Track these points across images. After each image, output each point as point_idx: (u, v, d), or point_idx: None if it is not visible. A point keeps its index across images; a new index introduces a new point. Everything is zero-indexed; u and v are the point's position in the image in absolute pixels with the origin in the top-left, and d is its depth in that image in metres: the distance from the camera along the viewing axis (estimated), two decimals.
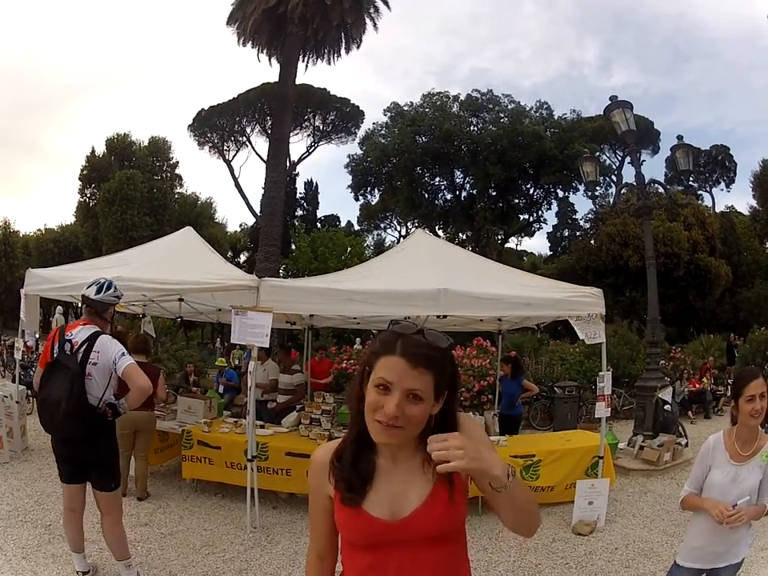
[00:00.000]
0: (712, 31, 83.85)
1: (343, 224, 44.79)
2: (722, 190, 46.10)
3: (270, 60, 24.96)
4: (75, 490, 4.23)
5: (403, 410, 1.40)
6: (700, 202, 34.82)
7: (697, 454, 3.18)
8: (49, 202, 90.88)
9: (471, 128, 36.18)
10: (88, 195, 39.90)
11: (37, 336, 14.89)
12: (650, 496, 7.24)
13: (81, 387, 3.91)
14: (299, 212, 42.60)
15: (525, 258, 52.19)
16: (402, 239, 41.33)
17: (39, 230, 49.31)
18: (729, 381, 15.28)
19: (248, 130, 38.92)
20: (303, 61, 24.79)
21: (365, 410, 1.47)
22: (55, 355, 4.05)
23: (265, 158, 28.20)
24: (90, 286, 4.33)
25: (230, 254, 42.60)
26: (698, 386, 14.52)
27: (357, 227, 46.20)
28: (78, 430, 3.93)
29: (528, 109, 36.75)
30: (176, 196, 41.67)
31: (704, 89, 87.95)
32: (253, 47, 24.36)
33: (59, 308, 20.71)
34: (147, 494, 6.52)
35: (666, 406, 9.53)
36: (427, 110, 36.47)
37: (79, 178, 40.07)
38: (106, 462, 4.19)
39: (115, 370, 4.05)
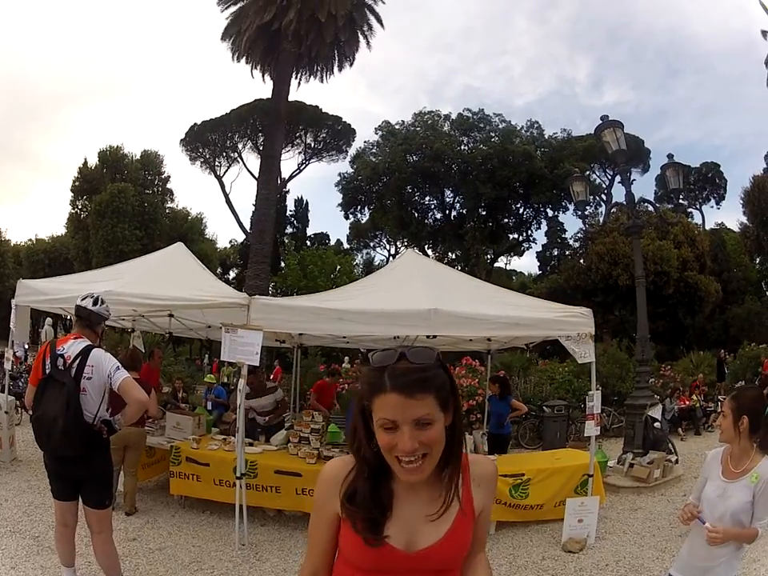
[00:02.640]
0: (704, 44, 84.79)
1: (333, 242, 44.75)
2: (712, 207, 47.02)
3: (263, 76, 25.03)
4: (68, 506, 4.14)
5: (418, 440, 1.35)
6: (690, 219, 35.17)
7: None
8: (40, 211, 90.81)
9: (462, 147, 36.42)
10: (79, 207, 39.98)
11: (26, 347, 14.81)
12: (640, 513, 7.24)
13: (77, 403, 3.83)
14: (289, 229, 42.55)
15: (514, 278, 52.46)
16: (391, 258, 41.51)
17: (30, 239, 49.27)
18: (719, 397, 15.45)
19: (240, 146, 38.86)
20: (296, 78, 24.89)
21: (382, 451, 1.40)
22: (48, 371, 3.95)
23: (256, 175, 28.18)
24: (84, 298, 4.30)
25: (219, 270, 42.47)
26: (687, 402, 14.62)
27: (346, 245, 46.13)
28: (75, 448, 3.85)
29: (519, 128, 37.14)
30: (167, 210, 41.75)
31: (695, 103, 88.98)
32: (247, 63, 24.40)
33: (48, 319, 20.59)
34: (135, 509, 6.46)
35: (656, 424, 9.58)
36: (418, 128, 36.71)
37: (71, 190, 40.18)
38: (100, 480, 4.12)
39: (110, 384, 3.96)
